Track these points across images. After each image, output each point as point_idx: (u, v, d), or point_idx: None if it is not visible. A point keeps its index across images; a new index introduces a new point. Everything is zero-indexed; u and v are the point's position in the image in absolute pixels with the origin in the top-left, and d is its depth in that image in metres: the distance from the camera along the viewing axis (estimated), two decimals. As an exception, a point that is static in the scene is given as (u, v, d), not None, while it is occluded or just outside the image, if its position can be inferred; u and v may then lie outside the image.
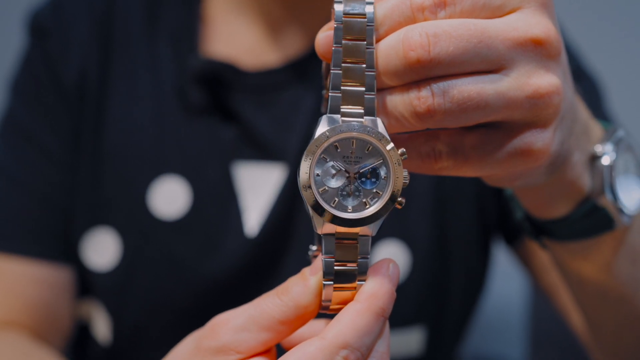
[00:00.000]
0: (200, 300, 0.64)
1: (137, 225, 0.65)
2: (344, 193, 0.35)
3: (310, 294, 0.37)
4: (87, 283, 0.68)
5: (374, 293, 0.35)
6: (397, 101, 0.35)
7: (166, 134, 0.66)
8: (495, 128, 0.36)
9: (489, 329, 1.12)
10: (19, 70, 0.71)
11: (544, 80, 0.34)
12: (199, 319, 0.64)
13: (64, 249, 0.67)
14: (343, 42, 0.35)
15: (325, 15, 0.66)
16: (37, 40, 0.70)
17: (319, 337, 0.34)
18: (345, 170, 0.35)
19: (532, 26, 0.34)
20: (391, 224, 0.63)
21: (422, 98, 0.33)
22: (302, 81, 0.65)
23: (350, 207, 0.35)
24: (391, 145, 0.34)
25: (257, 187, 0.64)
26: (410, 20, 0.34)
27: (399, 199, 0.35)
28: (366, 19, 0.35)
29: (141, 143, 0.66)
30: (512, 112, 0.34)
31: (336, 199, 0.35)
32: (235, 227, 0.64)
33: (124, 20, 0.69)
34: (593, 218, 0.45)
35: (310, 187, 0.35)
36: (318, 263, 0.37)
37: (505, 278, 1.03)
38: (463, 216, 0.66)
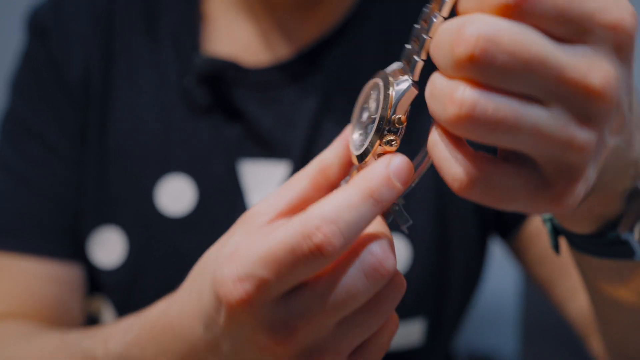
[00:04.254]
0: None
1: (143, 223, 0.66)
2: (362, 128, 0.39)
3: (333, 152, 0.40)
4: (95, 280, 0.69)
5: (363, 175, 0.35)
6: (436, 91, 0.32)
7: (171, 132, 0.67)
8: (526, 166, 0.33)
9: (482, 322, 1.13)
10: (21, 69, 0.71)
11: (581, 135, 0.30)
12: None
13: (74, 246, 0.68)
14: (429, 4, 0.34)
15: (312, 26, 0.67)
16: (38, 40, 0.70)
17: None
18: (368, 109, 0.38)
19: (594, 71, 0.30)
20: None
21: (455, 100, 0.30)
22: (297, 82, 0.66)
23: (358, 142, 0.39)
24: (387, 107, 0.36)
25: (262, 184, 0.65)
26: (480, 9, 0.30)
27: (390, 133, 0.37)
28: None
29: (146, 141, 0.67)
30: (542, 151, 0.31)
31: (360, 130, 0.39)
32: None
33: (124, 19, 0.70)
34: (614, 246, 0.43)
35: (354, 114, 0.40)
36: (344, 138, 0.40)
37: (499, 272, 1.05)
38: (462, 210, 0.68)
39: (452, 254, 0.68)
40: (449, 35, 0.30)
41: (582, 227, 0.43)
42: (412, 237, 0.65)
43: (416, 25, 0.35)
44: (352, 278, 0.35)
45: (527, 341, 1.11)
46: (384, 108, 0.36)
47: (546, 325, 1.05)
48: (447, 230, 0.67)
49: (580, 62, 0.30)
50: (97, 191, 0.67)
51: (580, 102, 0.30)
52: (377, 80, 0.38)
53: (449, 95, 0.31)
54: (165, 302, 0.46)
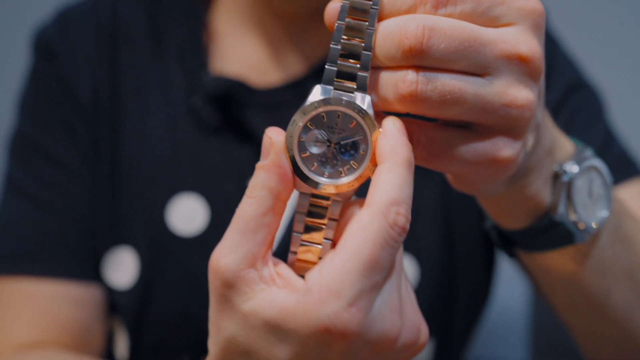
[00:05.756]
0: None
1: (156, 243, 0.66)
2: (323, 160, 0.38)
3: (275, 176, 0.37)
4: (110, 300, 0.69)
5: (392, 149, 0.36)
6: (385, 80, 0.37)
7: (181, 151, 0.66)
8: (470, 130, 0.39)
9: (491, 334, 1.13)
10: (28, 89, 0.70)
11: (522, 93, 0.37)
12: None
13: (94, 267, 0.67)
14: (346, 20, 0.37)
15: (325, 38, 0.67)
16: (46, 60, 0.69)
17: (364, 207, 0.35)
18: (327, 140, 0.38)
19: (521, 43, 0.37)
20: None
21: (407, 82, 0.36)
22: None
23: (326, 173, 0.38)
24: (373, 124, 0.37)
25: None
26: (412, 10, 0.37)
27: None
28: (372, 2, 0.37)
29: (157, 161, 0.66)
30: (487, 116, 0.37)
31: (315, 164, 0.38)
32: None
33: (129, 37, 0.69)
34: (552, 232, 0.48)
35: (293, 149, 0.38)
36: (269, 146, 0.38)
37: (508, 284, 1.04)
38: (468, 228, 0.67)
39: (459, 272, 0.67)
40: (392, 34, 0.36)
41: (521, 221, 0.48)
42: (418, 256, 0.65)
43: (335, 46, 0.37)
44: None
45: (536, 355, 1.10)
46: (366, 120, 0.37)
47: (556, 338, 1.04)
48: (453, 248, 0.67)
49: (507, 36, 0.37)
50: (109, 212, 0.67)
51: (517, 67, 0.37)
52: (337, 108, 0.37)
53: (402, 78, 0.36)
54: None
